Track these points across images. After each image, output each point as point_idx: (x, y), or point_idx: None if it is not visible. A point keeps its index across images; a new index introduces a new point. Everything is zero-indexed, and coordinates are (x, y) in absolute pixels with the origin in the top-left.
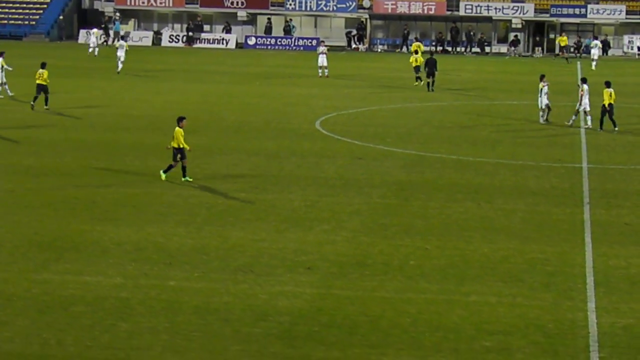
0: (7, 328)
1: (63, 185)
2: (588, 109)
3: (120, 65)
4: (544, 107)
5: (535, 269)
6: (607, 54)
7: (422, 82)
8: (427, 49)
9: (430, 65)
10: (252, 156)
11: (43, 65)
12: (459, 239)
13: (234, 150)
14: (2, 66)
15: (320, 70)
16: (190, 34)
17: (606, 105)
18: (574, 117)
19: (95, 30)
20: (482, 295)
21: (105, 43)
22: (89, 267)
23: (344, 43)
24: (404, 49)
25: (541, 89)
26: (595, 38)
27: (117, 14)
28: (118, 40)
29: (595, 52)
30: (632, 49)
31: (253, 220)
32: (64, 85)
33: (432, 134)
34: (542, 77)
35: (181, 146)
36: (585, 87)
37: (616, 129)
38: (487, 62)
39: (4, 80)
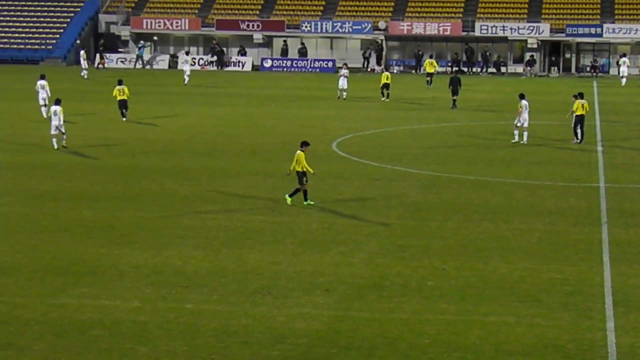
0: (25, 353)
1: (80, 209)
2: (526, 124)
3: (187, 79)
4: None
5: (553, 289)
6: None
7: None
8: (443, 69)
9: (454, 83)
10: (269, 178)
11: (120, 82)
12: (477, 259)
13: (250, 173)
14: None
15: (339, 92)
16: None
17: (578, 116)
18: (516, 132)
19: (82, 52)
20: (500, 315)
21: (102, 66)
22: (107, 291)
23: (359, 64)
24: (419, 70)
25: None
26: (624, 55)
27: (142, 41)
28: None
29: (625, 70)
30: None
31: (270, 243)
32: (81, 109)
33: (448, 154)
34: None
35: (305, 169)
36: (524, 102)
37: (581, 141)
38: (503, 82)
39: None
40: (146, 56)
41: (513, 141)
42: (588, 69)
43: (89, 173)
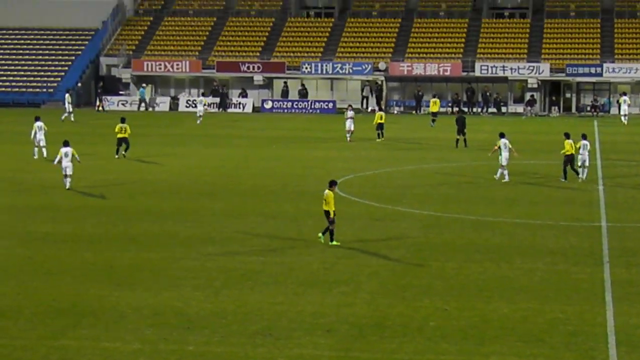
0: None
1: (81, 251)
2: (504, 163)
3: (199, 119)
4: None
5: (555, 329)
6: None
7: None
8: (444, 109)
9: (460, 123)
10: (269, 219)
11: (123, 120)
12: (479, 299)
13: (251, 214)
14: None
15: (348, 135)
16: (216, 99)
17: (568, 155)
18: (505, 173)
19: (67, 95)
20: (502, 356)
21: (101, 109)
22: (107, 333)
23: (359, 105)
24: (419, 110)
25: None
26: (624, 94)
27: (144, 84)
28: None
29: (625, 108)
30: None
31: (271, 283)
32: (81, 151)
33: (449, 195)
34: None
35: (327, 209)
36: (503, 141)
37: (565, 180)
38: (503, 122)
39: (44, 143)
40: (147, 97)
41: (500, 179)
42: (588, 108)
43: (89, 214)
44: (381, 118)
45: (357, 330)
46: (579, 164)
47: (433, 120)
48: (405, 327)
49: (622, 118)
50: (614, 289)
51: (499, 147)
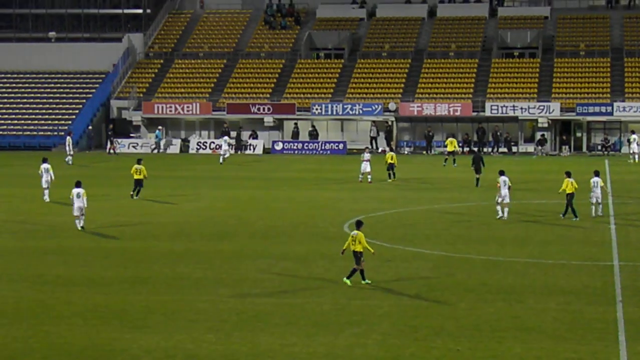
0: None
1: (92, 294)
2: (507, 200)
3: (222, 159)
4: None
5: None
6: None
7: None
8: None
9: (477, 161)
10: (280, 260)
11: (139, 162)
12: (491, 339)
13: (262, 255)
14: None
15: (361, 176)
16: (231, 141)
17: (568, 194)
18: (498, 209)
19: (68, 138)
20: None
21: (113, 151)
22: None
23: (372, 146)
24: (430, 150)
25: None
26: (633, 132)
27: (160, 126)
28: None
29: (635, 147)
30: None
31: (283, 325)
32: (91, 193)
33: (460, 234)
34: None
35: (365, 249)
36: (502, 179)
37: (576, 218)
38: (514, 161)
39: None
40: (162, 140)
41: (497, 217)
42: (599, 147)
43: (101, 257)
44: (392, 158)
45: None
46: (592, 201)
47: (454, 161)
48: None
49: (632, 157)
50: (627, 328)
51: (500, 185)
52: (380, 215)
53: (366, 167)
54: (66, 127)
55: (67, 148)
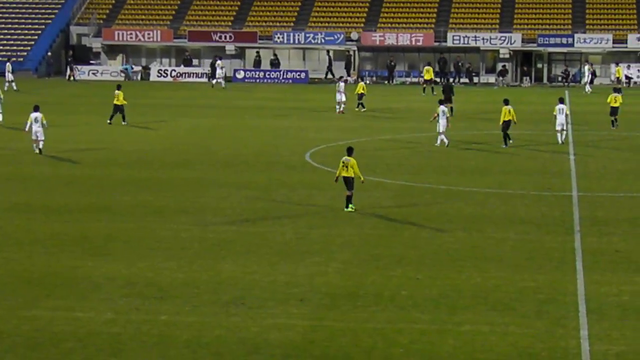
0: None
1: (53, 222)
2: (441, 129)
3: (222, 82)
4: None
5: (527, 298)
6: (593, 83)
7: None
8: (416, 79)
9: (447, 90)
10: (242, 189)
11: (119, 87)
12: (451, 268)
13: (224, 184)
14: None
15: (338, 106)
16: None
17: (504, 121)
18: (439, 137)
19: (8, 64)
20: (474, 324)
21: (72, 78)
22: (80, 303)
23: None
24: (392, 81)
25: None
26: (587, 62)
27: (131, 63)
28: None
29: (588, 77)
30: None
31: (244, 253)
32: (53, 122)
33: (421, 164)
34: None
35: (350, 175)
36: (442, 108)
37: (510, 141)
38: (475, 92)
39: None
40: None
41: (444, 145)
42: (560, 78)
43: (61, 185)
44: (362, 89)
45: (330, 299)
46: (558, 128)
47: (431, 89)
48: (378, 296)
49: (586, 87)
50: (584, 258)
51: (438, 115)
52: (341, 144)
53: (342, 97)
54: (25, 53)
55: (7, 75)
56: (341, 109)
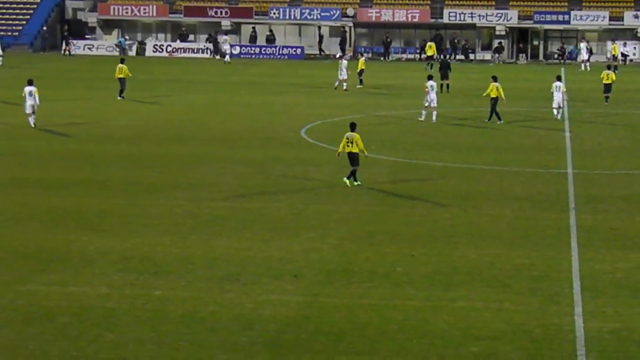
0: None
1: (48, 196)
2: (434, 104)
3: (227, 58)
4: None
5: (521, 274)
6: (589, 60)
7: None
8: (412, 56)
9: (444, 67)
10: (238, 165)
11: (122, 61)
12: (446, 245)
13: (219, 159)
14: None
15: (345, 84)
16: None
17: (492, 98)
18: (423, 112)
19: None
20: (468, 301)
21: (68, 53)
22: (75, 278)
23: (329, 52)
24: (388, 57)
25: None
26: (584, 39)
27: (127, 35)
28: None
29: (584, 55)
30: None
31: (239, 229)
32: (48, 96)
33: (417, 141)
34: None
35: (355, 151)
36: (430, 83)
37: (500, 121)
38: (471, 69)
39: None
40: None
41: (420, 119)
42: (556, 55)
43: (56, 160)
44: (363, 65)
45: (325, 275)
46: (554, 105)
47: (431, 65)
48: (373, 273)
49: (582, 65)
50: (579, 235)
51: (428, 89)
52: (337, 120)
53: (344, 74)
54: (20, 28)
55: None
56: (345, 87)
